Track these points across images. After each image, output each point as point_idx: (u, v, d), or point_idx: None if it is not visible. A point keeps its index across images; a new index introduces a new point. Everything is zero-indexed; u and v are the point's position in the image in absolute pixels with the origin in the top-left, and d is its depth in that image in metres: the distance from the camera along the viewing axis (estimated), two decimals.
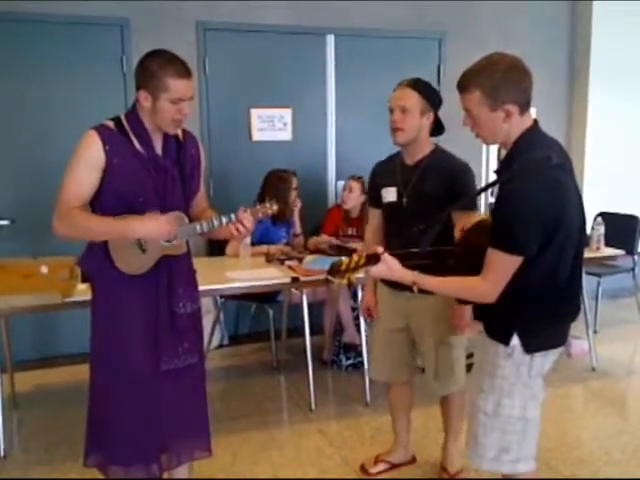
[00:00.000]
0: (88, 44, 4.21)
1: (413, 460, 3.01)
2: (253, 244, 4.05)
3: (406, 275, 1.99)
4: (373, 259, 1.97)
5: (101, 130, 2.13)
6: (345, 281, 1.99)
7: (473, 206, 2.53)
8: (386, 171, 2.71)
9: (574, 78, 5.59)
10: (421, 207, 2.52)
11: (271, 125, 4.72)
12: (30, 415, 3.58)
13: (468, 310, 2.43)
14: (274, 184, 4.20)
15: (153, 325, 2.24)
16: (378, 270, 1.99)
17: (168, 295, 2.25)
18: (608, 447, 3.18)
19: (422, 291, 2.03)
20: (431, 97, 2.56)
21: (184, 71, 2.11)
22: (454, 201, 2.41)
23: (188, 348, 2.30)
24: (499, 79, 1.83)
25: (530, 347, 1.91)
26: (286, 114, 4.74)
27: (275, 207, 2.26)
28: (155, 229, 2.12)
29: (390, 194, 2.65)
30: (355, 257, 1.96)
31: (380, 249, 2.01)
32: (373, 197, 2.79)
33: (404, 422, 2.94)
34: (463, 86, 1.90)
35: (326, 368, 4.23)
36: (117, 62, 4.28)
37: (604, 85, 5.45)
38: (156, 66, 2.08)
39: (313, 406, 3.61)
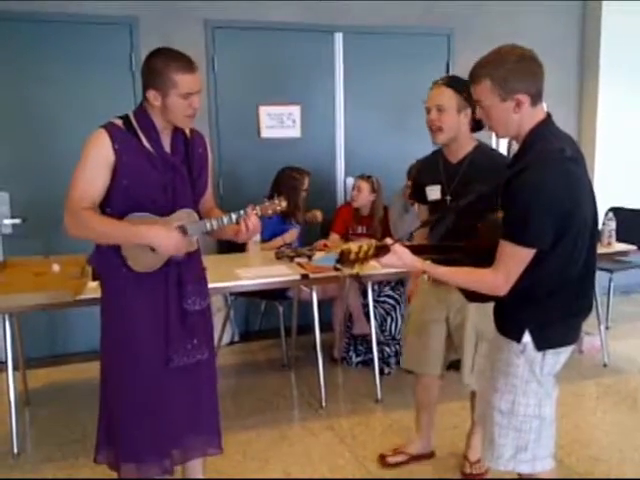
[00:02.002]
0: (97, 43, 4.23)
1: (432, 454, 3.00)
2: (264, 241, 4.05)
3: (416, 264, 1.98)
4: (383, 250, 1.96)
5: (110, 128, 2.14)
6: (354, 270, 1.98)
7: None
8: (429, 169, 2.72)
9: (584, 73, 5.54)
10: (464, 205, 2.50)
11: (280, 122, 4.72)
12: (42, 412, 3.60)
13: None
14: (285, 183, 4.19)
15: (163, 322, 2.24)
16: (388, 260, 1.98)
17: (178, 292, 2.25)
18: (621, 444, 3.17)
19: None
20: (467, 93, 2.48)
21: (189, 66, 2.12)
22: (496, 198, 2.38)
23: (197, 344, 2.30)
24: (509, 68, 1.82)
25: (541, 344, 1.89)
26: (295, 111, 4.74)
27: (284, 203, 2.27)
28: (166, 242, 2.11)
29: (434, 192, 2.66)
30: (365, 247, 1.95)
31: (389, 240, 2.00)
32: (418, 194, 2.81)
33: (427, 416, 2.94)
34: (474, 77, 1.89)
35: (336, 365, 4.23)
36: (126, 60, 4.29)
37: (614, 80, 5.41)
38: (161, 64, 2.09)
39: (324, 403, 3.61)
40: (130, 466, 2.28)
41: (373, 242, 1.98)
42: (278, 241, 4.02)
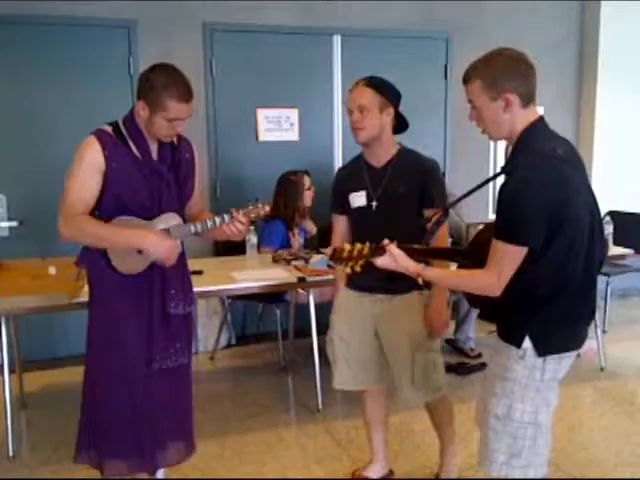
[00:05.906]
0: (95, 46, 4.23)
1: (391, 474, 2.91)
2: (276, 251, 4.04)
3: (410, 266, 1.98)
4: (378, 251, 1.96)
5: (100, 135, 2.19)
6: (348, 269, 1.97)
7: (444, 204, 2.50)
8: (352, 175, 2.64)
9: (582, 77, 5.56)
10: (392, 209, 2.50)
11: (278, 125, 4.72)
12: (38, 415, 3.60)
13: (445, 308, 2.43)
14: (285, 189, 4.21)
15: (146, 325, 2.29)
16: (383, 261, 1.98)
17: (161, 296, 2.30)
18: (617, 448, 3.17)
19: (415, 287, 2.02)
20: (388, 93, 2.50)
21: (185, 95, 2.15)
22: (425, 200, 2.47)
23: (180, 348, 2.36)
24: (498, 68, 1.84)
25: (542, 350, 1.86)
26: (293, 114, 4.74)
27: (267, 208, 2.32)
28: (159, 249, 2.17)
29: (359, 198, 2.58)
30: (359, 245, 1.95)
31: (386, 241, 1.99)
32: (339, 203, 2.71)
33: (380, 435, 2.83)
34: (466, 78, 1.92)
35: None
36: (124, 64, 4.29)
37: (612, 84, 5.42)
38: (160, 84, 2.12)
39: (320, 406, 3.61)
40: (114, 462, 2.31)
41: (367, 243, 1.98)
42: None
